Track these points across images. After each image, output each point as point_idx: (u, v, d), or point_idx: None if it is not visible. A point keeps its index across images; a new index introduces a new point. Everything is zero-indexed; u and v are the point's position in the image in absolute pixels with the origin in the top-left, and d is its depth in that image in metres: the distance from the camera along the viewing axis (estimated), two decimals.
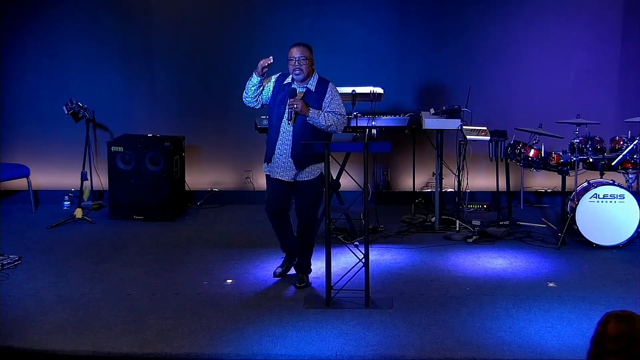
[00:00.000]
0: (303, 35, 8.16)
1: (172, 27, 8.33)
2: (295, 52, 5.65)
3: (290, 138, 5.67)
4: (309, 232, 5.91)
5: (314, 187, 5.76)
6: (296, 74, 5.66)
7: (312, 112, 5.63)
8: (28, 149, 8.42)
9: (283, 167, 5.73)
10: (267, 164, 5.82)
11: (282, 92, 5.72)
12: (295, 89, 5.66)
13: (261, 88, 5.77)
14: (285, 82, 5.76)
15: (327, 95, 5.71)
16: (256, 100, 5.82)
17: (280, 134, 5.70)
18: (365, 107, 7.25)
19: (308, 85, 5.71)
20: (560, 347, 4.80)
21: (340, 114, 5.72)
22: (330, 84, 5.77)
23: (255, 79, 5.72)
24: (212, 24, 8.29)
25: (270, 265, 6.26)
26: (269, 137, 5.82)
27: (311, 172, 5.73)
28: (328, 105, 5.69)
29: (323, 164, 5.57)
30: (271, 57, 5.65)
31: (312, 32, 8.18)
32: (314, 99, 5.69)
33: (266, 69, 5.68)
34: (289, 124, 5.65)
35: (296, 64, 5.63)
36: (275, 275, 6.05)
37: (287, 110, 5.66)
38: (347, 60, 8.13)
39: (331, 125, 5.66)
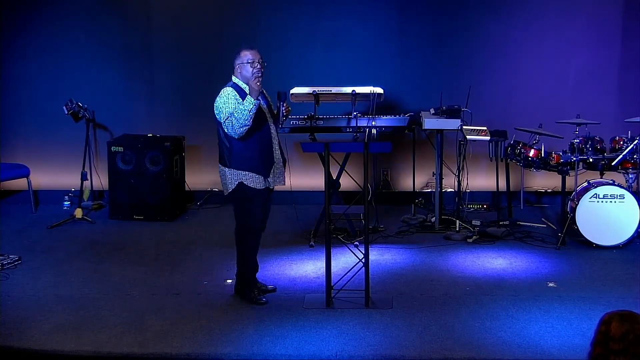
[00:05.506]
0: (303, 35, 8.20)
1: (171, 27, 8.33)
2: (257, 54, 5.26)
3: (278, 142, 5.52)
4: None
5: None
6: (260, 78, 5.26)
7: None
8: (28, 149, 8.42)
9: (280, 172, 5.53)
10: (268, 178, 5.42)
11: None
12: (285, 92, 5.54)
13: None
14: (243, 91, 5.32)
15: (266, 95, 5.52)
16: None
17: (272, 141, 5.44)
18: (365, 107, 7.25)
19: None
20: (560, 347, 4.80)
21: None
22: None
23: (255, 102, 5.19)
24: (212, 24, 8.29)
25: (270, 265, 6.26)
26: (261, 149, 5.36)
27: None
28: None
29: None
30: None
31: (312, 32, 8.19)
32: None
33: None
34: (280, 127, 5.58)
35: (259, 66, 5.25)
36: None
37: (278, 116, 5.51)
38: (347, 60, 8.13)
39: None
